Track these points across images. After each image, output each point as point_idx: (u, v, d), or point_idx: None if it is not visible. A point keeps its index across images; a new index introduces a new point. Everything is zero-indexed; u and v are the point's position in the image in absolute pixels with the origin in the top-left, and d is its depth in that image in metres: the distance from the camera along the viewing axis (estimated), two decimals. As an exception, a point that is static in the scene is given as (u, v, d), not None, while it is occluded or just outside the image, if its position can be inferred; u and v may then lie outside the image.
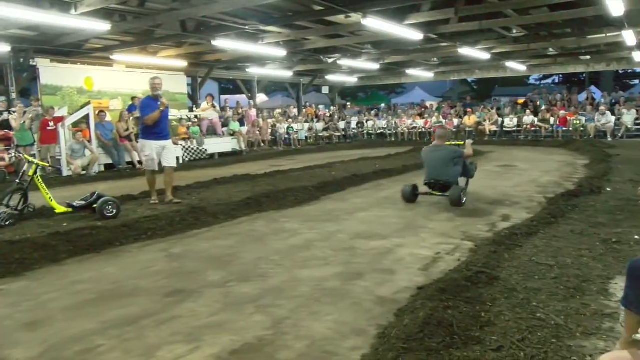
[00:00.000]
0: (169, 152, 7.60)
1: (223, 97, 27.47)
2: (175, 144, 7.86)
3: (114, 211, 6.32)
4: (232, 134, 16.99)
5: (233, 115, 17.80)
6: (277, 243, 5.33)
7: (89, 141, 12.31)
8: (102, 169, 12.67)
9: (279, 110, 23.78)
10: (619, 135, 17.14)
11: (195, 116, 16.90)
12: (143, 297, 3.83)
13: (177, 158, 11.36)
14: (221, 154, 16.05)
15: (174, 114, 15.58)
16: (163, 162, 7.56)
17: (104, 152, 12.82)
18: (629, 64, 19.77)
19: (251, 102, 21.01)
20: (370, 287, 3.86)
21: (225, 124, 17.41)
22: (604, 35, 13.28)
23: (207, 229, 6.10)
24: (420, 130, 21.31)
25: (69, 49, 13.52)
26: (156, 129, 7.34)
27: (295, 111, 23.71)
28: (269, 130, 19.29)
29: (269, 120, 20.09)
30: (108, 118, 13.22)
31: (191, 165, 13.73)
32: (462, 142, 8.18)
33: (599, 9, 9.95)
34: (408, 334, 2.76)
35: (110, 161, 12.89)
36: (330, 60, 17.49)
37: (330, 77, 23.10)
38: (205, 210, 6.62)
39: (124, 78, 15.39)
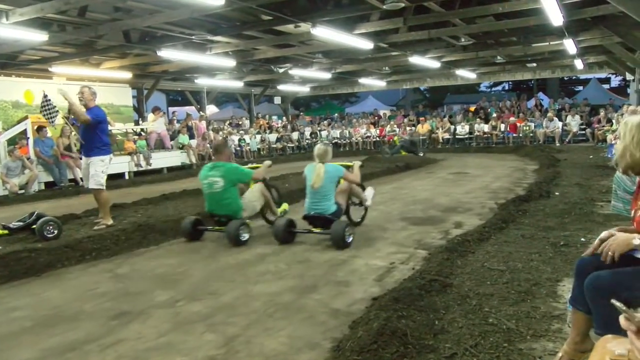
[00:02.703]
0: (89, 172, 6.75)
1: (171, 109, 26.80)
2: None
3: (55, 232, 5.98)
4: (181, 147, 16.58)
5: (181, 128, 17.41)
6: (228, 258, 5.18)
7: (28, 158, 11.71)
8: (42, 187, 12.04)
9: (228, 122, 23.46)
10: (566, 140, 17.85)
11: (142, 129, 16.41)
12: (86, 321, 3.62)
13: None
14: (170, 169, 15.62)
15: (119, 127, 15.11)
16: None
17: (44, 169, 12.20)
18: (572, 70, 20.66)
19: (201, 113, 20.67)
20: (325, 300, 3.79)
21: (173, 137, 17.00)
22: (547, 43, 13.80)
23: (155, 247, 5.89)
24: (374, 139, 21.53)
25: (3, 60, 12.85)
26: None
27: (247, 122, 23.46)
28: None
29: (220, 133, 19.79)
30: (49, 134, 12.61)
31: (138, 181, 13.33)
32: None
33: (540, 19, 10.32)
34: (362, 346, 2.71)
35: (51, 179, 12.24)
36: (281, 70, 17.41)
37: (282, 87, 22.94)
38: (153, 227, 6.36)
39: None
